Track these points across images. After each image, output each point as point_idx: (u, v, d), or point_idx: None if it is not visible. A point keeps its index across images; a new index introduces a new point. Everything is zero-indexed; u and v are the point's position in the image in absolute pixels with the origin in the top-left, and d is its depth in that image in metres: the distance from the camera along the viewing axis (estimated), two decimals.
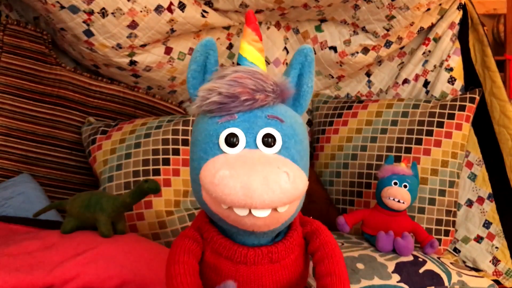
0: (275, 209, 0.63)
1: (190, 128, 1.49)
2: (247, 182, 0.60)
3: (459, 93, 1.61)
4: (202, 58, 0.72)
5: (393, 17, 1.54)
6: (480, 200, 1.54)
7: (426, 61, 1.68)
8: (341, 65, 1.73)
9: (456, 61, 1.62)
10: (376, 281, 1.11)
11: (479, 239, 1.52)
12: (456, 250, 1.55)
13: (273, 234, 0.73)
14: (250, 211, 0.62)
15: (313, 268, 0.78)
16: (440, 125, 1.51)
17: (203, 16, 1.51)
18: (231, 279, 0.71)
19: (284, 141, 0.67)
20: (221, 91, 0.67)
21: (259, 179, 0.60)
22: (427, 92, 1.68)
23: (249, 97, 0.66)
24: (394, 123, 1.57)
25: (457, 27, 1.63)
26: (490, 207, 1.51)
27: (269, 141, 0.66)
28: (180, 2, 1.45)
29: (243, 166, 0.62)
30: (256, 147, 0.66)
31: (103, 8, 1.37)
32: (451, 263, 1.28)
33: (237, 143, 0.66)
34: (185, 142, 1.46)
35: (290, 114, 0.71)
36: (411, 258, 1.21)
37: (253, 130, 0.66)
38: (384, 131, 1.58)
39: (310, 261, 0.81)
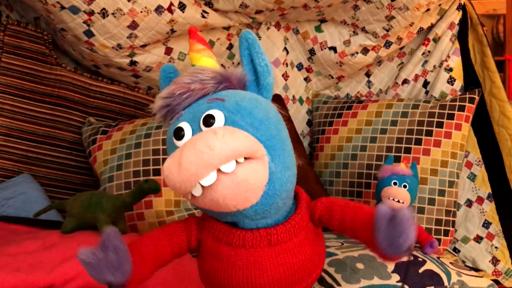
0: (221, 172, 0.62)
1: None
2: (181, 157, 0.61)
3: (459, 93, 1.61)
4: (166, 83, 0.76)
5: (392, 17, 1.55)
6: (480, 200, 1.54)
7: (425, 62, 1.68)
8: (341, 66, 1.73)
9: (455, 62, 1.62)
10: (376, 281, 1.11)
11: (478, 239, 1.52)
12: (456, 250, 1.55)
13: (267, 215, 0.70)
14: (201, 186, 0.62)
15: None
16: (440, 125, 1.51)
17: (203, 16, 1.51)
18: (231, 263, 0.71)
19: (228, 117, 0.66)
20: (161, 95, 0.70)
21: (188, 148, 0.62)
22: (426, 92, 1.68)
23: (184, 90, 0.69)
24: (394, 123, 1.57)
25: (456, 28, 1.63)
26: (489, 207, 1.52)
27: (208, 121, 0.66)
28: (180, 3, 1.46)
29: (181, 148, 0.63)
30: (201, 131, 0.67)
31: (104, 9, 1.37)
32: (450, 263, 1.28)
33: (184, 134, 0.67)
34: None
35: (235, 93, 0.70)
36: (410, 258, 1.22)
37: (196, 117, 0.67)
38: (383, 131, 1.58)
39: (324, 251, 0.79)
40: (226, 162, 0.62)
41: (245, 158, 0.64)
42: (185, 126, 0.68)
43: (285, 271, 0.71)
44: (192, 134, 0.67)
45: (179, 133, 0.68)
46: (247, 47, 0.73)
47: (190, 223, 0.75)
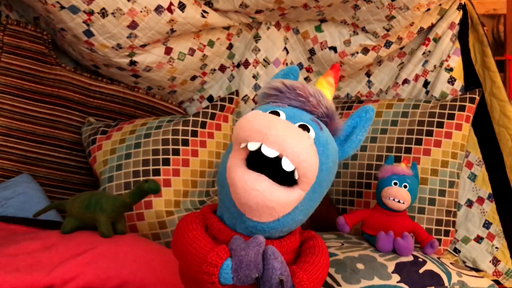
0: (279, 164, 0.66)
1: (190, 128, 1.49)
2: (272, 121, 0.68)
3: (459, 93, 1.61)
4: (283, 77, 0.84)
5: (393, 17, 1.54)
6: (480, 200, 1.54)
7: (426, 61, 1.68)
8: (341, 65, 1.73)
9: (456, 61, 1.62)
10: (376, 281, 1.11)
11: (479, 239, 1.52)
12: (456, 250, 1.55)
13: (264, 234, 0.73)
14: (260, 147, 0.66)
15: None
16: (440, 125, 1.51)
17: (203, 16, 1.51)
18: None
19: (315, 141, 0.71)
20: (284, 82, 0.77)
21: (282, 123, 0.68)
22: (427, 92, 1.68)
23: (304, 95, 0.75)
24: (394, 123, 1.57)
25: (457, 27, 1.63)
26: (490, 207, 1.52)
27: (304, 127, 0.72)
28: (180, 3, 1.45)
29: (275, 117, 0.70)
30: None
31: (103, 8, 1.37)
32: (451, 263, 1.28)
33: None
34: (185, 142, 1.46)
35: (330, 136, 0.76)
36: (411, 258, 1.21)
37: (295, 119, 0.72)
38: (384, 131, 1.58)
39: None
40: (293, 160, 0.67)
41: (293, 178, 0.68)
42: (282, 114, 0.73)
43: None
44: None
45: (274, 114, 0.73)
46: (361, 115, 0.81)
47: (199, 216, 0.79)
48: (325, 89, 0.82)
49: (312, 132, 0.72)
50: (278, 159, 0.67)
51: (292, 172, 0.68)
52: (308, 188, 0.71)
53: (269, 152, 0.66)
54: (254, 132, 0.68)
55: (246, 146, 0.68)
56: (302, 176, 0.68)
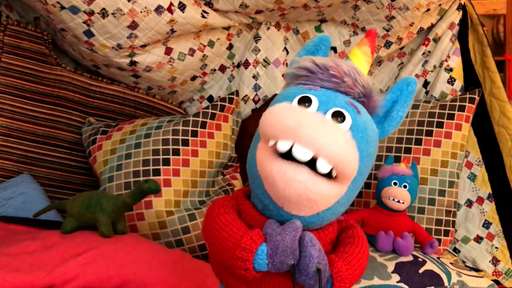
0: (314, 168, 0.61)
1: (190, 128, 1.49)
2: (303, 117, 0.61)
3: (459, 93, 1.61)
4: (313, 49, 0.76)
5: (392, 17, 1.55)
6: (480, 200, 1.54)
7: (425, 62, 1.68)
8: None
9: (455, 62, 1.62)
10: (376, 281, 1.11)
11: (478, 239, 1.52)
12: (456, 250, 1.55)
13: (306, 227, 0.69)
14: (291, 148, 0.61)
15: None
16: (440, 125, 1.51)
17: (203, 16, 1.51)
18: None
19: (352, 128, 0.66)
20: (315, 60, 0.69)
21: (315, 119, 0.61)
22: (426, 92, 1.68)
23: (338, 75, 0.68)
24: None
25: (456, 28, 1.63)
26: (489, 207, 1.52)
27: (338, 118, 0.66)
28: (180, 3, 1.45)
29: (306, 111, 0.63)
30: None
31: (103, 9, 1.37)
32: (450, 263, 1.28)
33: (308, 106, 0.66)
34: (185, 142, 1.46)
35: (369, 117, 0.71)
36: (410, 258, 1.22)
37: (328, 104, 0.66)
38: None
39: None
40: (329, 161, 0.61)
41: (333, 176, 0.63)
42: (314, 100, 0.66)
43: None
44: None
45: (305, 101, 0.66)
46: (402, 89, 0.74)
47: (232, 201, 0.75)
48: (361, 62, 0.75)
49: (348, 119, 0.66)
50: (313, 160, 0.62)
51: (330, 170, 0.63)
52: (349, 183, 0.66)
53: (302, 153, 0.60)
54: (284, 131, 0.61)
55: (275, 144, 0.63)
56: (341, 174, 0.64)
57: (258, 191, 0.69)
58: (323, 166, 0.61)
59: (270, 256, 0.63)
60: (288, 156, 0.62)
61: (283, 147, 0.62)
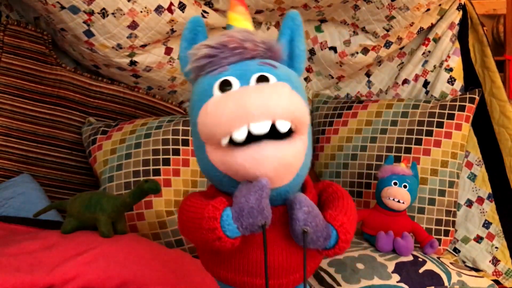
0: (275, 131, 0.59)
1: (190, 128, 1.49)
2: (241, 95, 0.59)
3: (459, 93, 1.61)
4: (192, 36, 0.72)
5: (393, 17, 1.55)
6: (480, 200, 1.54)
7: (426, 62, 1.68)
8: (341, 66, 1.73)
9: (455, 62, 1.62)
10: (376, 281, 1.11)
11: (478, 239, 1.52)
12: (456, 250, 1.55)
13: (287, 196, 0.68)
14: (249, 132, 0.58)
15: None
16: (440, 125, 1.51)
17: (203, 16, 1.51)
18: (246, 244, 0.67)
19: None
20: (209, 43, 0.66)
21: (253, 90, 0.59)
22: (426, 92, 1.68)
23: (238, 45, 0.65)
24: (394, 123, 1.57)
25: (456, 28, 1.63)
26: (489, 207, 1.52)
27: (263, 82, 0.64)
28: (180, 3, 1.45)
29: (242, 89, 0.62)
30: None
31: (103, 9, 1.37)
32: (451, 263, 1.28)
33: (230, 88, 0.63)
34: (185, 142, 1.46)
35: (283, 65, 0.70)
36: (411, 258, 1.22)
37: (246, 75, 0.64)
38: (384, 131, 1.58)
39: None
40: (286, 119, 0.59)
41: (292, 131, 0.61)
42: (233, 80, 0.64)
43: (298, 250, 0.68)
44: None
45: (225, 86, 0.64)
46: (291, 26, 0.73)
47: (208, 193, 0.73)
48: (243, 22, 0.73)
49: (271, 78, 0.64)
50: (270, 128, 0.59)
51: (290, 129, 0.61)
52: (306, 130, 0.65)
53: (262, 127, 0.58)
54: (232, 122, 0.58)
55: (229, 139, 0.60)
56: (299, 124, 0.61)
57: (232, 188, 0.66)
58: (283, 125, 0.59)
59: (237, 219, 0.61)
60: (244, 142, 0.60)
61: (240, 135, 0.58)
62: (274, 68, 0.66)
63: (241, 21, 0.73)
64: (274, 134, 0.59)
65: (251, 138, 0.59)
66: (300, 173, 0.66)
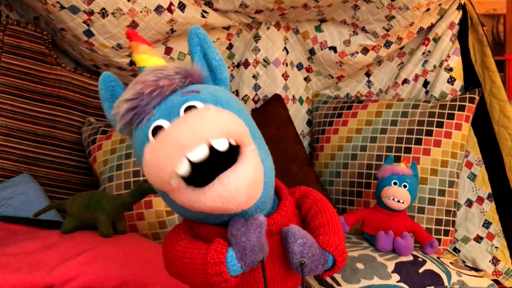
0: (214, 151, 0.58)
1: None
2: (170, 134, 0.58)
3: (459, 93, 1.61)
4: (108, 93, 0.73)
5: (392, 17, 1.55)
6: (480, 200, 1.54)
7: (425, 61, 1.68)
8: (341, 65, 1.73)
9: (455, 61, 1.62)
10: (376, 281, 1.11)
11: (478, 239, 1.52)
12: (456, 250, 1.55)
13: (265, 206, 0.69)
14: (188, 161, 0.57)
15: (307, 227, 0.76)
16: (440, 125, 1.51)
17: (203, 16, 1.51)
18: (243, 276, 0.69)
19: (206, 103, 0.65)
20: (126, 97, 0.66)
21: (180, 122, 0.59)
22: (426, 92, 1.68)
23: (153, 88, 0.65)
24: (394, 123, 1.57)
25: (456, 27, 1.63)
26: (489, 207, 1.52)
27: (191, 109, 0.63)
28: (180, 3, 1.45)
29: (169, 126, 0.61)
30: None
31: (103, 9, 1.37)
32: (450, 263, 1.28)
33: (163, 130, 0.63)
34: None
35: (206, 86, 0.69)
36: (410, 258, 1.22)
37: (174, 111, 0.64)
38: (383, 131, 1.58)
39: None
40: (219, 137, 0.59)
41: (233, 146, 0.60)
42: (163, 122, 0.64)
43: (286, 260, 0.71)
44: None
45: (157, 130, 0.63)
46: (198, 42, 0.72)
47: (185, 228, 0.72)
48: (151, 60, 0.72)
49: (197, 103, 0.64)
50: (213, 155, 0.58)
51: (232, 146, 0.60)
52: (249, 138, 0.64)
53: (199, 153, 0.58)
54: (171, 161, 0.57)
55: (179, 178, 0.59)
56: (238, 136, 0.61)
57: (212, 219, 0.68)
58: (220, 144, 0.59)
59: (241, 259, 0.63)
60: (195, 179, 0.59)
61: (184, 169, 0.58)
62: (198, 93, 0.66)
63: (149, 59, 0.72)
64: (218, 158, 0.59)
65: (197, 170, 0.58)
66: (267, 179, 0.67)
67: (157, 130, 0.63)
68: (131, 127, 0.68)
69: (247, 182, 0.60)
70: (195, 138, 0.57)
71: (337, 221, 0.74)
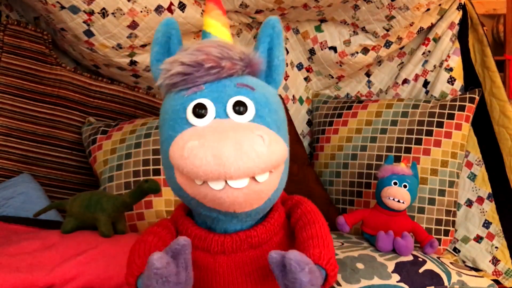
0: (253, 179, 0.58)
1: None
2: (219, 149, 0.55)
3: (459, 93, 1.61)
4: (165, 39, 0.70)
5: (393, 17, 1.55)
6: (480, 200, 1.54)
7: (426, 61, 1.68)
8: (341, 65, 1.73)
9: (455, 61, 1.62)
10: (376, 281, 1.11)
11: (478, 239, 1.52)
12: (456, 250, 1.55)
13: (257, 217, 0.68)
14: (226, 183, 0.57)
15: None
16: (440, 125, 1.51)
17: (203, 16, 1.51)
18: (211, 270, 0.67)
19: (257, 109, 0.63)
20: (183, 60, 0.63)
21: (231, 145, 0.56)
22: (426, 92, 1.68)
23: (215, 64, 0.62)
24: (394, 123, 1.57)
25: (456, 27, 1.63)
26: (489, 207, 1.52)
27: (240, 109, 0.62)
28: (180, 2, 1.45)
29: (214, 134, 0.57)
30: (227, 116, 0.62)
31: (103, 8, 1.37)
32: (451, 263, 1.28)
33: (205, 114, 0.61)
34: None
35: (262, 84, 0.67)
36: (411, 258, 1.22)
37: (223, 99, 0.62)
38: (384, 131, 1.58)
39: None
40: (265, 171, 0.58)
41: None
42: (208, 104, 0.62)
43: (268, 273, 0.67)
44: (216, 116, 0.62)
45: (200, 111, 0.61)
46: (270, 34, 0.69)
47: (168, 225, 0.71)
48: (220, 30, 0.70)
49: (249, 104, 0.62)
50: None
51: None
52: (282, 165, 0.63)
53: (239, 184, 0.57)
54: (207, 175, 0.56)
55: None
56: (278, 167, 0.61)
57: (200, 209, 0.65)
58: (262, 178, 0.59)
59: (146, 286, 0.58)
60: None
61: (217, 187, 0.57)
62: (252, 91, 0.64)
63: (217, 27, 0.70)
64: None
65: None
66: (272, 197, 0.65)
67: (198, 109, 0.61)
68: (172, 89, 0.65)
69: (255, 194, 0.60)
70: (243, 172, 0.56)
71: (327, 233, 0.70)
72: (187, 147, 0.57)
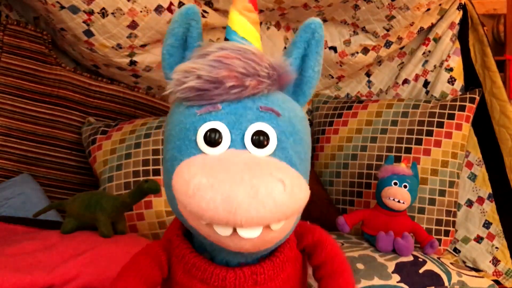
0: (267, 227, 0.50)
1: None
2: (230, 193, 0.47)
3: (459, 93, 1.61)
4: (182, 30, 0.58)
5: (393, 17, 1.54)
6: (480, 200, 1.54)
7: (426, 61, 1.68)
8: (341, 65, 1.73)
9: (456, 61, 1.62)
10: (376, 281, 1.11)
11: (479, 239, 1.52)
12: (456, 250, 1.55)
13: (264, 252, 0.60)
14: (234, 229, 0.50)
15: (313, 273, 0.68)
16: (440, 125, 1.51)
17: (203, 16, 1.51)
18: None
19: (280, 140, 0.54)
20: (200, 73, 0.53)
21: (245, 190, 0.48)
22: (427, 92, 1.68)
23: (237, 83, 0.53)
24: (394, 123, 1.57)
25: (457, 27, 1.63)
26: (490, 207, 1.52)
27: (260, 139, 0.53)
28: (180, 2, 1.45)
29: (226, 172, 0.49)
30: (244, 147, 0.53)
31: (103, 8, 1.37)
32: (451, 263, 1.28)
33: (219, 141, 0.53)
34: None
35: (289, 105, 0.58)
36: (411, 258, 1.21)
37: (241, 125, 0.53)
38: (384, 131, 1.58)
39: (308, 268, 0.70)
40: (281, 220, 0.51)
41: None
42: (223, 130, 0.53)
43: None
44: (230, 146, 0.53)
45: (213, 137, 0.53)
46: (309, 40, 0.59)
47: (157, 253, 0.64)
48: (248, 30, 0.58)
49: (272, 134, 0.54)
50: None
51: None
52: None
53: (250, 234, 0.49)
54: (214, 218, 0.49)
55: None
56: (296, 214, 0.54)
57: (200, 237, 0.57)
58: (277, 226, 0.51)
59: None
60: None
61: (224, 233, 0.50)
62: (277, 117, 0.55)
63: (246, 27, 0.58)
64: None
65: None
66: (284, 238, 0.58)
67: (211, 134, 0.53)
68: (183, 101, 0.56)
69: (266, 242, 0.53)
70: (256, 223, 0.49)
71: (353, 282, 0.65)
72: (193, 183, 0.49)
